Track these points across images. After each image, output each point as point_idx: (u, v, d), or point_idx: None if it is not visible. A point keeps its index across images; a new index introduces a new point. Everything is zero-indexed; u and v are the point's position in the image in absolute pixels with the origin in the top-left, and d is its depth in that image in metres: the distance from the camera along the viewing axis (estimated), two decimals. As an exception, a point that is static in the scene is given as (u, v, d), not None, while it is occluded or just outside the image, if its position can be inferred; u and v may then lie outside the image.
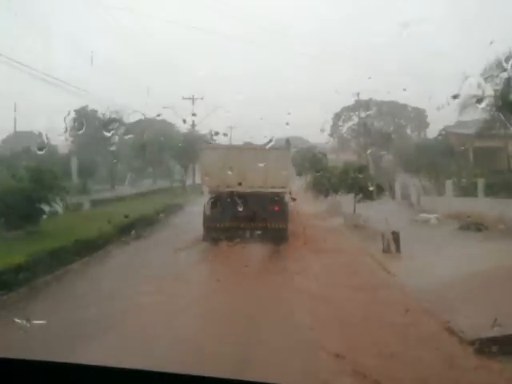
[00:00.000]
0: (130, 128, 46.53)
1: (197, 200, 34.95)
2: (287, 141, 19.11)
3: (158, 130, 40.35)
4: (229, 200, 16.81)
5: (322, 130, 47.16)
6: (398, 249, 17.31)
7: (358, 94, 45.59)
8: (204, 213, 17.64)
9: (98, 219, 21.58)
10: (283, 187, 17.66)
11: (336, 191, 30.91)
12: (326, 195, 31.83)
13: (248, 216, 16.65)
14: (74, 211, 25.63)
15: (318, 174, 31.90)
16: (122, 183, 51.59)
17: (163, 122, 44.26)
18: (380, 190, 24.64)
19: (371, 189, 23.83)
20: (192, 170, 42.81)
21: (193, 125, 41.50)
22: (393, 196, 34.03)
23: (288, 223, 17.70)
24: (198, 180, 50.69)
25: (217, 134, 43.76)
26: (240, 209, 16.27)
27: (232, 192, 16.96)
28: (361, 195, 24.59)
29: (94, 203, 31.30)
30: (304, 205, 35.48)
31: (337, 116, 46.95)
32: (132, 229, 19.37)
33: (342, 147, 47.91)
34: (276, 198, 17.52)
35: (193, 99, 42.14)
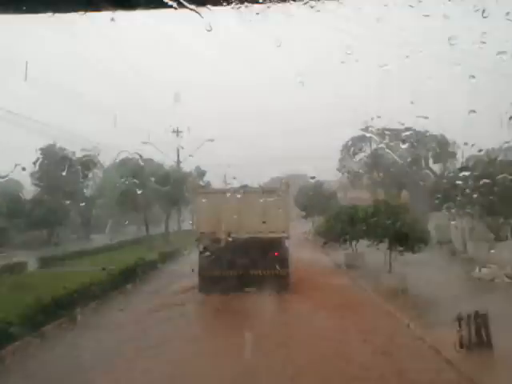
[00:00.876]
0: (109, 169, 40.27)
1: (179, 256, 28.64)
2: (286, 182, 18.58)
3: (138, 169, 33.71)
4: (226, 247, 16.34)
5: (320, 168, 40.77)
6: (488, 342, 10.34)
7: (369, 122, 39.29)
8: (199, 261, 17.09)
9: (21, 292, 14.94)
10: (283, 231, 17.10)
11: (356, 239, 24.15)
12: (343, 244, 24.95)
13: (247, 263, 16.47)
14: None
15: (332, 216, 25.15)
16: (101, 231, 44.82)
17: (146, 160, 37.80)
18: (427, 238, 17.76)
19: (416, 236, 17.02)
20: (178, 214, 35.99)
21: (178, 162, 35.10)
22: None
23: (290, 269, 17.02)
24: (184, 226, 44.30)
25: (203, 173, 37.59)
26: (238, 256, 16.28)
27: (229, 238, 16.39)
28: (398, 246, 17.73)
29: (45, 262, 24.43)
30: (313, 255, 28.84)
31: (346, 147, 40.48)
32: (51, 317, 12.77)
33: (352, 184, 41.36)
34: (276, 244, 16.98)
35: (177, 132, 35.79)
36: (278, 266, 16.61)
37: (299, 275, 19.93)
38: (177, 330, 12.73)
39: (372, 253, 21.61)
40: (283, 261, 16.88)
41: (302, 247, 33.52)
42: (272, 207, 16.87)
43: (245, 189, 18.80)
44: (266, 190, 18.91)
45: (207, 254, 16.84)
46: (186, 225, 43.97)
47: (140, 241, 33.85)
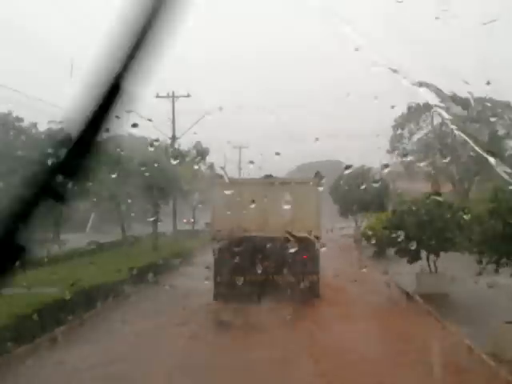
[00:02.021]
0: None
1: (166, 272, 18.96)
2: (318, 173, 16.34)
3: (124, 148, 24.96)
4: (246, 247, 14.79)
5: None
6: None
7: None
8: (215, 264, 15.21)
9: None
10: (313, 231, 15.21)
11: (435, 252, 15.08)
12: (414, 258, 15.64)
13: (270, 267, 14.67)
14: None
15: (397, 214, 16.00)
16: (81, 229, 36.27)
17: (137, 139, 29.16)
18: None
19: None
20: (174, 209, 26.97)
21: (173, 137, 26.07)
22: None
23: (319, 275, 15.22)
24: (181, 225, 35.47)
25: (206, 152, 28.52)
26: (259, 258, 14.58)
27: (250, 237, 15.01)
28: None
29: None
30: (358, 271, 19.67)
31: (399, 123, 30.75)
32: None
33: (408, 171, 31.59)
34: (304, 245, 14.57)
35: (173, 97, 26.71)
36: (306, 271, 14.99)
37: (336, 308, 13.63)
38: None
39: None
40: (312, 265, 15.28)
41: (342, 256, 24.36)
42: (301, 202, 15.19)
43: (269, 180, 17.00)
44: (295, 182, 17.45)
45: (223, 256, 15.19)
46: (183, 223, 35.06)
47: (117, 245, 24.93)
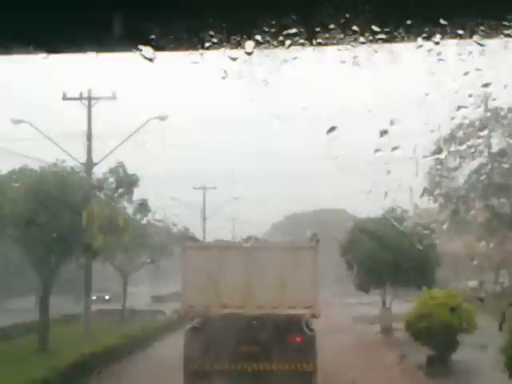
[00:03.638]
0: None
1: None
2: (314, 235, 14.71)
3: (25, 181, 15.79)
4: (225, 328, 13.02)
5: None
6: None
7: (486, 98, 20.65)
8: (185, 349, 13.23)
9: None
10: (308, 306, 13.41)
11: None
12: None
13: (254, 353, 12.97)
14: None
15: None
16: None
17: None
18: None
19: None
20: (85, 279, 16.81)
21: (87, 163, 16.73)
22: None
23: (317, 363, 12.96)
24: (98, 303, 25.05)
25: (132, 182, 18.75)
26: (242, 342, 12.95)
27: (230, 315, 12.94)
28: None
29: None
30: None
31: (438, 147, 21.23)
32: None
33: (454, 220, 21.44)
34: (297, 324, 13.27)
35: (89, 99, 17.79)
36: (300, 358, 12.86)
37: None
38: None
39: None
40: (308, 350, 12.93)
41: (361, 367, 13.72)
42: (294, 272, 13.36)
43: (253, 243, 14.58)
44: (286, 246, 15.27)
45: (196, 339, 13.14)
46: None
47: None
